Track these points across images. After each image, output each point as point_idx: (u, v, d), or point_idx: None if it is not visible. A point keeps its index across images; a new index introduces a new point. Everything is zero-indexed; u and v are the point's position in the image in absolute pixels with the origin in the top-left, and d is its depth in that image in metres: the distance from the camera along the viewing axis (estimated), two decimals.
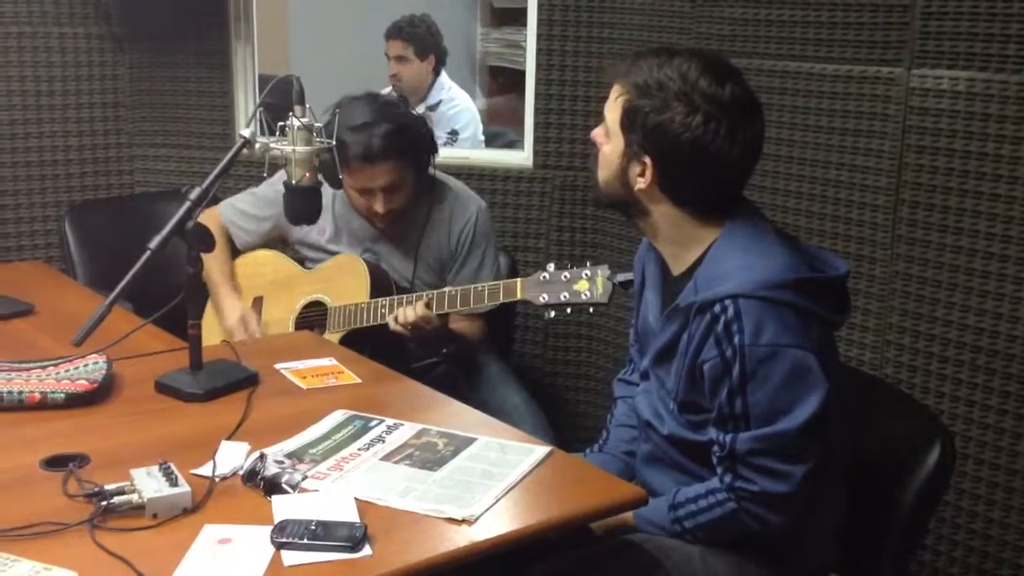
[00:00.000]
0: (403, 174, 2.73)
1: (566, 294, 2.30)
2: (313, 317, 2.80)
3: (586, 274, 2.28)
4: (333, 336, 2.70)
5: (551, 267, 2.34)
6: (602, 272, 2.27)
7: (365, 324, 2.65)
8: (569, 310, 2.31)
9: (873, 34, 2.67)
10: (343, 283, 2.75)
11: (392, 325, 2.56)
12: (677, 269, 1.95)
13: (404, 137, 2.70)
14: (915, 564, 2.71)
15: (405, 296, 2.60)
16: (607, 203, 2.01)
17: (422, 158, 2.79)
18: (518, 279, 2.40)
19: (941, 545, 2.69)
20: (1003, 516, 2.57)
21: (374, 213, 2.75)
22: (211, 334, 2.80)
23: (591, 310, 2.31)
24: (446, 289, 2.56)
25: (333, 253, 2.86)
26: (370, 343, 2.62)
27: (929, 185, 2.61)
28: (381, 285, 2.72)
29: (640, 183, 1.88)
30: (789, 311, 1.77)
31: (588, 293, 2.27)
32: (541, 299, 2.32)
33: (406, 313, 2.53)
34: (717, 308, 1.77)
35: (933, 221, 2.62)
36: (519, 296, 2.38)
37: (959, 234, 2.57)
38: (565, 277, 2.31)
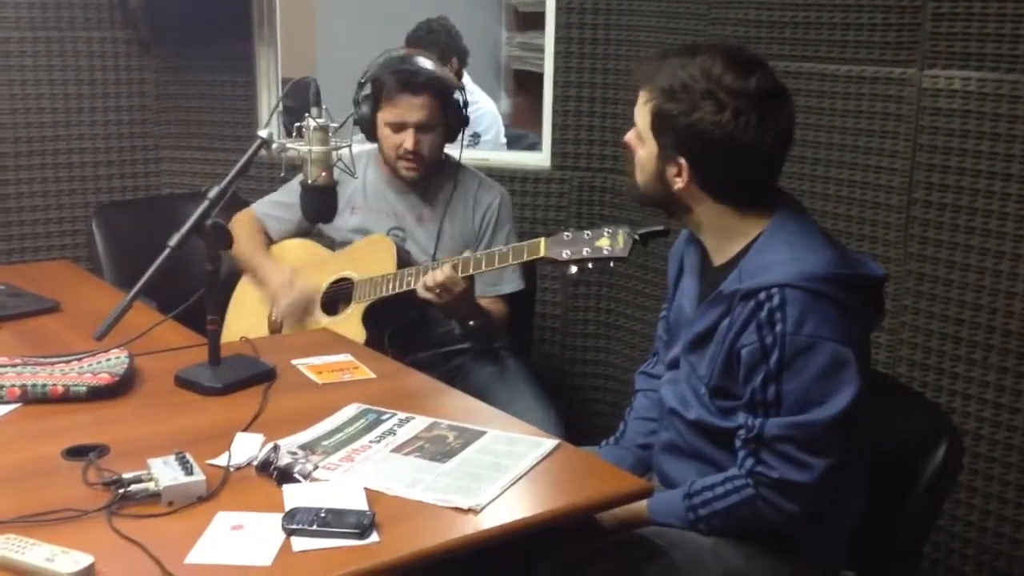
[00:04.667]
0: (437, 117, 2.84)
1: (588, 250, 2.33)
2: (338, 292, 2.86)
3: (608, 231, 2.32)
4: (358, 307, 2.75)
5: (572, 228, 2.39)
6: (623, 229, 2.31)
7: (390, 292, 2.69)
8: (591, 265, 2.34)
9: (885, 35, 2.69)
10: (371, 259, 2.81)
11: (420, 292, 2.59)
12: (719, 260, 1.97)
13: (443, 84, 2.86)
14: (928, 562, 2.72)
15: (431, 263, 2.65)
16: (648, 203, 2.04)
17: (454, 115, 2.88)
18: (541, 238, 2.43)
19: (955, 543, 2.70)
20: (1016, 514, 2.58)
21: (403, 154, 2.83)
22: (231, 331, 2.85)
23: (611, 264, 2.34)
24: (471, 253, 2.60)
25: (362, 234, 2.93)
26: (393, 320, 2.67)
27: (941, 185, 2.63)
28: (407, 263, 2.78)
29: (678, 183, 1.91)
30: (832, 305, 1.79)
31: (609, 248, 2.31)
32: (564, 255, 2.35)
33: (434, 276, 2.56)
34: (763, 296, 1.80)
35: (945, 220, 2.63)
36: (542, 253, 2.40)
37: (971, 233, 2.59)
38: (587, 235, 2.35)
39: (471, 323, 2.73)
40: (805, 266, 1.80)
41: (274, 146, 2.21)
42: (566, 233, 2.37)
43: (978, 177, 2.56)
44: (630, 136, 1.99)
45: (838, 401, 1.78)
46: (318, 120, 2.18)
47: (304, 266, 2.95)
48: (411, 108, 2.80)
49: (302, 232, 3.04)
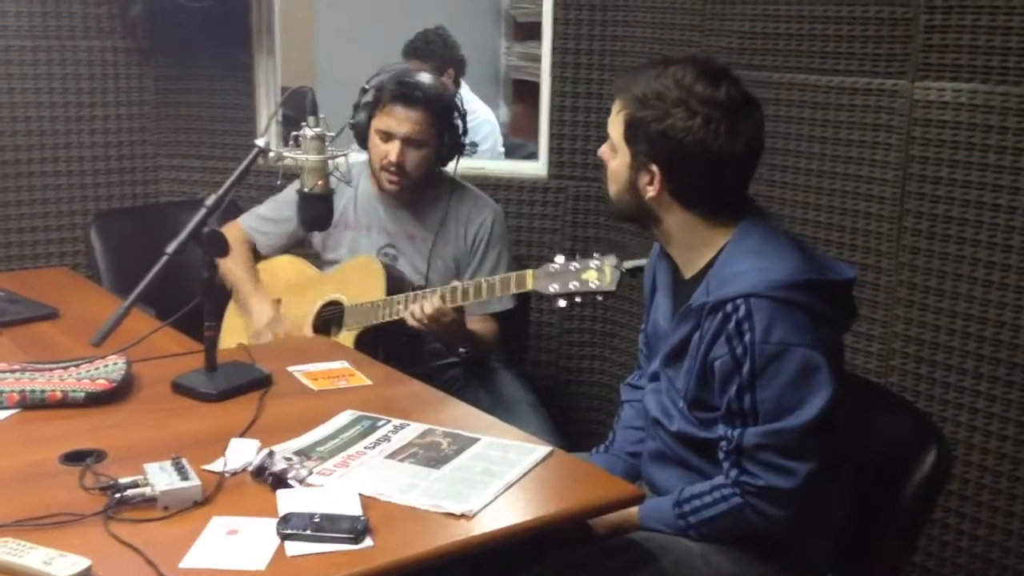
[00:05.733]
0: (426, 135, 2.83)
1: (575, 283, 2.34)
2: (330, 316, 2.87)
3: (595, 264, 2.33)
4: (349, 333, 2.77)
5: (560, 258, 2.39)
6: (609, 261, 2.32)
7: (381, 320, 2.71)
8: (579, 299, 2.36)
9: (878, 47, 2.72)
10: (360, 283, 2.82)
11: (410, 320, 2.62)
12: (689, 272, 2.00)
13: (441, 104, 2.86)
14: (919, 570, 2.74)
15: (419, 292, 2.66)
16: (622, 216, 2.07)
17: (447, 139, 2.88)
18: (529, 270, 2.44)
19: (946, 552, 2.71)
20: (1005, 523, 2.60)
21: (386, 165, 2.83)
22: (229, 337, 2.87)
23: (599, 298, 2.36)
24: (459, 283, 2.61)
25: (353, 252, 2.95)
26: (384, 342, 2.69)
27: (933, 195, 2.65)
28: (397, 285, 2.79)
29: (650, 191, 1.94)
30: (800, 311, 1.82)
31: (597, 282, 2.32)
32: (551, 288, 2.36)
33: (423, 307, 2.59)
34: (729, 307, 1.82)
35: (937, 231, 2.65)
36: (530, 286, 2.42)
37: (962, 243, 2.61)
38: (574, 267, 2.35)
39: (461, 350, 2.75)
40: (769, 274, 1.83)
41: (271, 155, 2.23)
42: (552, 265, 2.37)
43: (969, 188, 2.58)
44: (603, 149, 2.03)
45: (812, 406, 1.81)
46: (314, 129, 2.21)
47: (294, 287, 2.96)
48: (401, 120, 2.80)
49: (292, 244, 3.05)
